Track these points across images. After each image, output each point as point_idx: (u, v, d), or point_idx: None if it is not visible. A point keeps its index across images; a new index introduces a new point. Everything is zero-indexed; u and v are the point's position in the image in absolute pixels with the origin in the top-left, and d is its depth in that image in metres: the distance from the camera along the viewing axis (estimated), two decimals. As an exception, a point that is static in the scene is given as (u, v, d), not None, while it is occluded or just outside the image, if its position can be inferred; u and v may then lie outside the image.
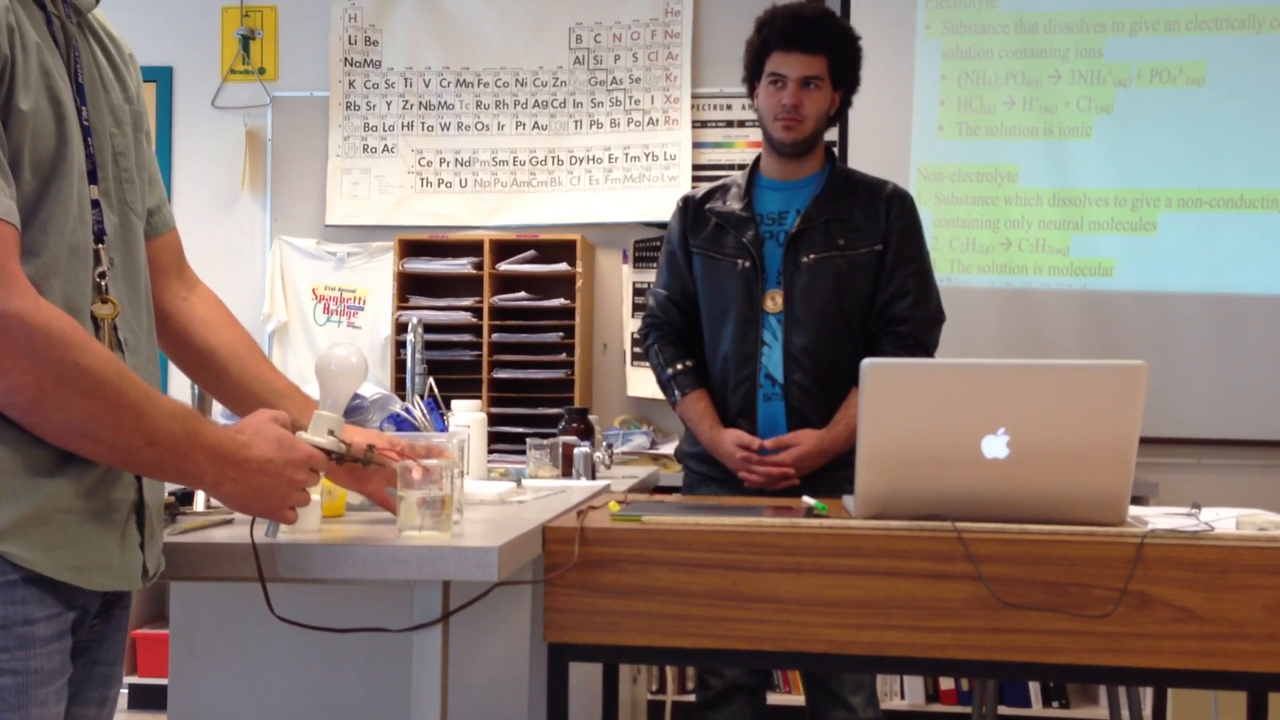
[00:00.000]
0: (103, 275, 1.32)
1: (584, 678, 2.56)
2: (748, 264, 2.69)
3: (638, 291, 4.50)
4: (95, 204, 1.32)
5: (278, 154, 4.72)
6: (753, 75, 2.75)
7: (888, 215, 2.71)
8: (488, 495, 2.04)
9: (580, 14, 4.56)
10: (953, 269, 4.25)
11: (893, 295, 2.69)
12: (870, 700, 2.67)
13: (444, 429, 2.30)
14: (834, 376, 2.66)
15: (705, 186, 2.88)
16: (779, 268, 2.69)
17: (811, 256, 2.67)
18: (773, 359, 2.68)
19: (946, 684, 4.10)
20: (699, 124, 4.49)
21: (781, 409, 2.67)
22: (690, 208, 2.81)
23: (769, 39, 2.69)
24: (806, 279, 2.66)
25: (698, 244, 2.77)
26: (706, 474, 2.78)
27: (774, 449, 2.63)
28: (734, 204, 2.76)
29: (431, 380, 2.51)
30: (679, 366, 2.77)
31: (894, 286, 2.69)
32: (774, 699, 3.92)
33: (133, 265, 1.39)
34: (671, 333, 2.82)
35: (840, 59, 2.70)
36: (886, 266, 2.69)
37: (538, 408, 4.24)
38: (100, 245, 1.32)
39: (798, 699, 3.91)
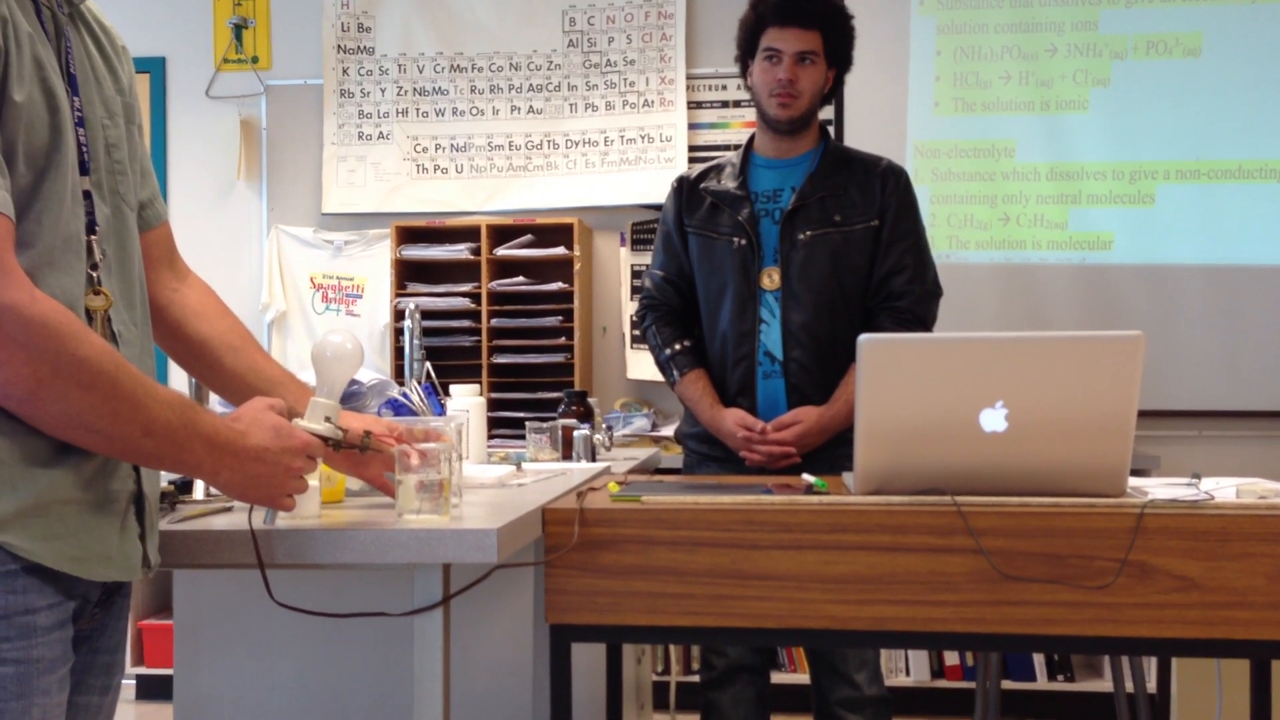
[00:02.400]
0: (95, 267, 1.31)
1: (588, 660, 2.57)
2: (744, 241, 2.69)
3: (636, 274, 4.49)
4: (87, 195, 1.31)
5: (273, 143, 4.71)
6: (746, 52, 2.74)
7: (883, 191, 2.70)
8: (487, 479, 2.04)
9: (573, -4, 4.55)
10: (951, 245, 4.25)
11: (889, 271, 2.69)
12: (874, 677, 2.68)
13: (442, 413, 2.30)
14: (833, 353, 2.65)
15: (700, 166, 2.88)
16: (775, 245, 2.68)
17: (808, 233, 2.66)
18: (771, 336, 2.67)
19: (951, 659, 4.11)
20: (694, 105, 4.48)
21: (781, 386, 2.67)
22: (685, 188, 2.81)
23: (764, 14, 2.69)
24: (803, 255, 2.66)
25: (693, 223, 2.77)
26: (707, 454, 2.78)
27: (775, 430, 2.63)
28: (729, 183, 2.75)
29: (429, 365, 2.51)
30: (677, 347, 2.77)
31: (890, 262, 2.69)
32: (779, 678, 3.93)
33: (126, 258, 1.38)
34: (669, 313, 2.82)
35: (835, 35, 2.70)
36: (883, 242, 2.69)
37: (538, 392, 4.24)
38: (92, 237, 1.31)
39: (803, 678, 3.92)
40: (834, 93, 2.81)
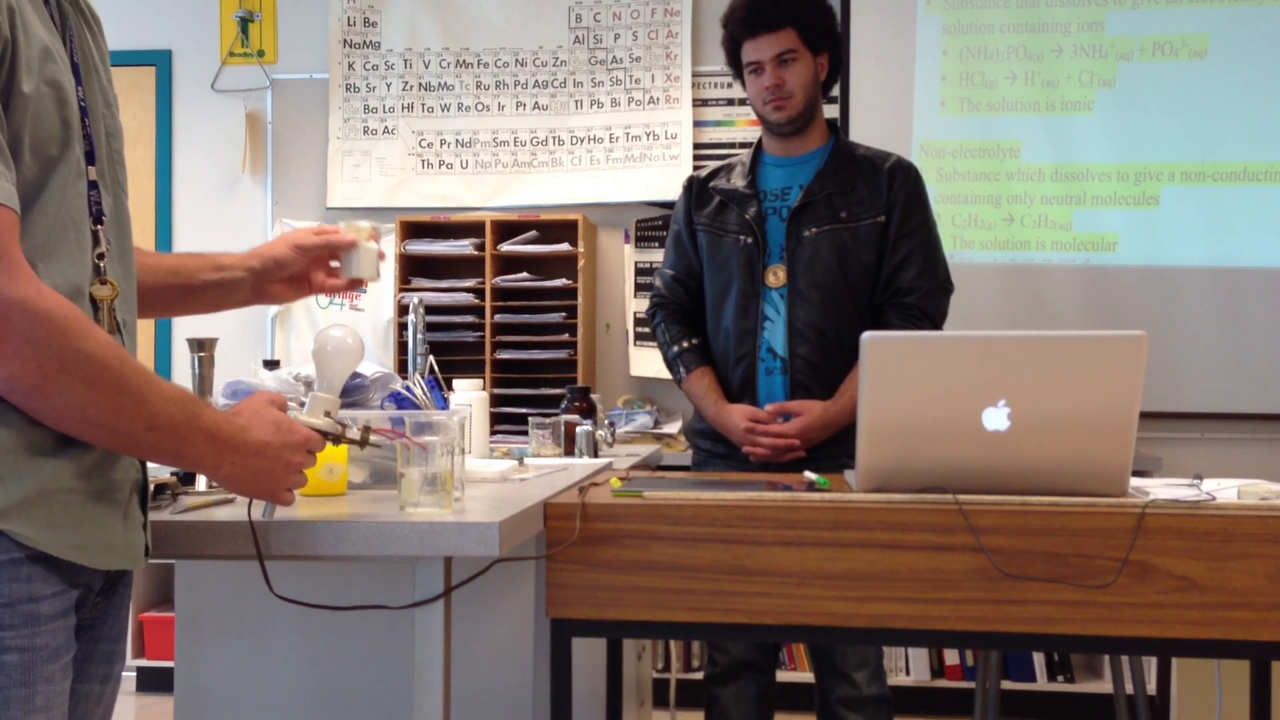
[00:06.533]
0: (101, 257, 1.32)
1: (588, 655, 2.57)
2: (749, 239, 2.70)
3: (640, 271, 4.49)
4: (93, 185, 1.31)
5: (278, 137, 4.72)
6: (735, 70, 2.79)
7: (890, 187, 2.70)
8: (490, 473, 2.05)
9: (579, -7, 4.56)
10: (955, 245, 4.24)
11: (897, 266, 2.69)
12: (875, 676, 2.67)
13: (445, 407, 2.30)
14: (839, 349, 2.66)
15: (711, 166, 2.89)
16: (782, 242, 2.69)
17: (814, 230, 2.67)
18: (775, 333, 2.68)
19: (951, 659, 4.12)
20: (700, 102, 4.48)
21: (783, 383, 2.67)
22: (694, 187, 2.84)
23: (735, 31, 2.72)
24: (809, 253, 2.67)
25: (701, 220, 2.79)
26: (712, 450, 2.79)
27: (778, 414, 2.63)
28: (738, 181, 2.77)
29: (432, 359, 2.52)
30: (684, 345, 2.79)
31: (898, 257, 2.69)
32: (783, 676, 3.93)
33: (125, 246, 1.39)
34: (678, 312, 2.84)
35: (808, 25, 2.69)
36: (890, 238, 2.69)
37: (541, 388, 4.24)
38: (99, 226, 1.32)
39: (807, 676, 3.93)
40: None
